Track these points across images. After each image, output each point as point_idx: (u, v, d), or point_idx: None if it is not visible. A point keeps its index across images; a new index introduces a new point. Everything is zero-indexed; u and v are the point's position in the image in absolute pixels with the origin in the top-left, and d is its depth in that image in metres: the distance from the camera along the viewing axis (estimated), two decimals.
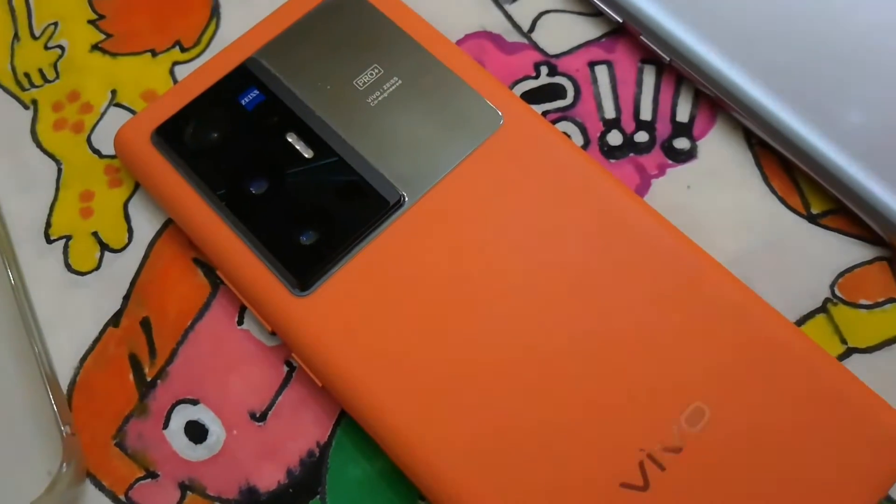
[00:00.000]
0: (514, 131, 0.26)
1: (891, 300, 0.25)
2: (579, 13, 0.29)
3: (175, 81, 0.29)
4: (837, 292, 0.25)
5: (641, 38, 0.28)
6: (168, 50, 0.29)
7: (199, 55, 0.29)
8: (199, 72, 0.27)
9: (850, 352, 0.24)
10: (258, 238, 0.24)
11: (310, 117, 0.26)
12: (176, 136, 0.26)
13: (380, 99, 0.26)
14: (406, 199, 0.25)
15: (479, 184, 0.25)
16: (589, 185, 0.25)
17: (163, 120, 0.26)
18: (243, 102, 0.26)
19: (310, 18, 0.28)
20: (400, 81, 0.26)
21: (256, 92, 0.26)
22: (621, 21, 0.28)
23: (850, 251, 0.25)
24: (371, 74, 0.27)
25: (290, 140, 0.26)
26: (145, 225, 0.27)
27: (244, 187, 0.25)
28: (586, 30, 0.29)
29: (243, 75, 0.27)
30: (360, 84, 0.26)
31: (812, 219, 0.26)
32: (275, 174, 0.25)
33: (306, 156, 0.25)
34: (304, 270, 0.24)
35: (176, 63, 0.29)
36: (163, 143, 0.26)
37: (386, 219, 0.24)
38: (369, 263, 0.24)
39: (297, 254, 0.24)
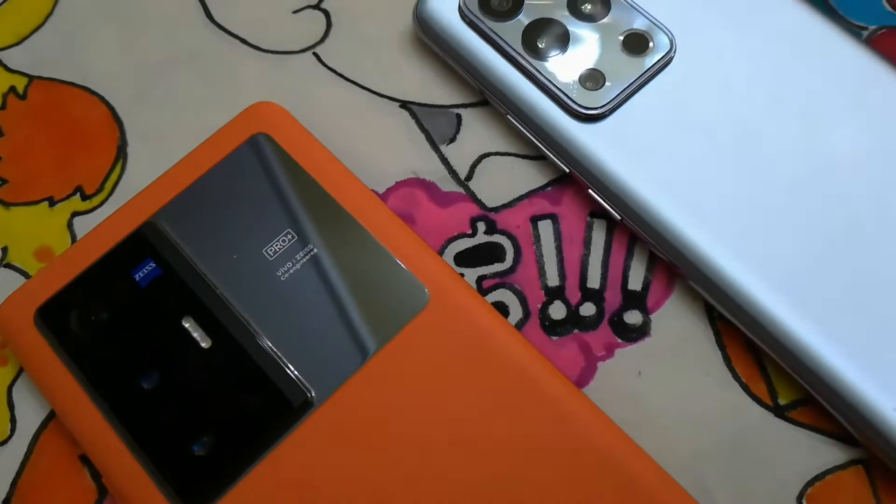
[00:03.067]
0: (441, 312, 0.23)
1: None
2: (523, 156, 0.26)
3: (73, 236, 0.26)
4: None
5: (590, 191, 0.25)
6: (68, 198, 0.26)
7: (101, 203, 0.26)
8: (92, 235, 0.24)
9: None
10: (144, 447, 0.21)
11: (210, 297, 0.23)
12: (61, 316, 0.23)
13: (291, 272, 0.23)
14: (315, 397, 0.22)
15: (398, 376, 0.22)
16: (522, 378, 0.22)
17: (48, 296, 0.23)
18: (137, 277, 0.23)
19: (219, 170, 0.25)
20: (315, 250, 0.23)
21: (153, 265, 0.23)
22: (568, 171, 0.25)
23: (822, 452, 0.22)
24: (283, 241, 0.24)
25: (186, 326, 0.23)
26: (30, 412, 0.24)
27: (132, 382, 0.22)
28: (530, 177, 0.26)
29: (139, 243, 0.24)
30: (271, 253, 0.23)
31: (779, 411, 0.23)
32: (167, 368, 0.22)
33: (203, 345, 0.22)
34: (195, 490, 0.21)
35: (75, 214, 0.26)
36: (46, 326, 0.23)
37: (291, 423, 0.22)
38: (271, 477, 0.21)
39: (189, 468, 0.21)
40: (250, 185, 0.24)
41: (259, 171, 0.25)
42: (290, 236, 0.24)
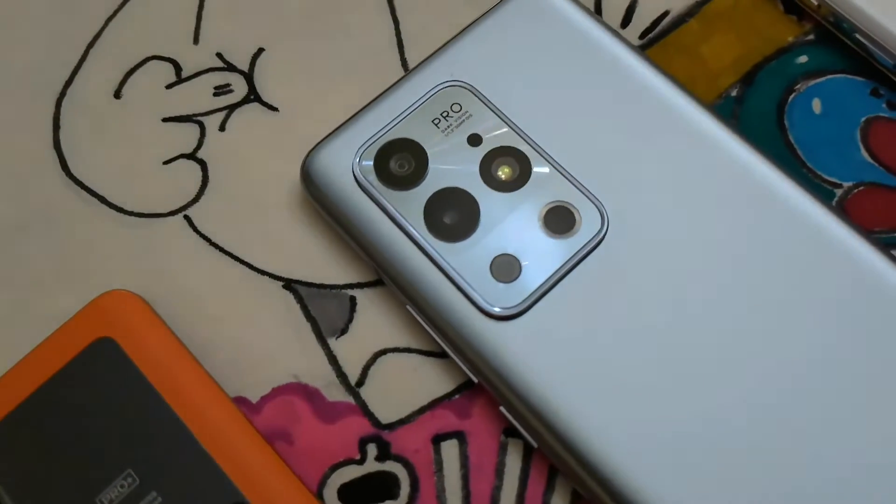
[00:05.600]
0: None
1: None
2: (427, 353, 0.22)
3: None
4: None
5: (501, 409, 0.20)
6: None
7: None
8: None
9: None
10: None
11: None
12: None
13: None
14: None
15: None
16: None
17: None
18: None
19: (49, 390, 0.20)
20: (159, 500, 0.19)
21: None
22: (475, 381, 0.21)
23: None
24: (122, 487, 0.19)
25: None
26: None
27: None
28: (434, 381, 0.21)
29: None
30: (106, 503, 0.19)
31: None
32: None
33: None
34: None
35: None
36: None
37: None
38: None
39: None
40: (87, 410, 0.20)
41: (98, 390, 0.20)
42: (130, 479, 0.19)
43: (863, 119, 0.24)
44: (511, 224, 0.21)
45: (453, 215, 0.21)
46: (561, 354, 0.20)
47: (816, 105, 0.24)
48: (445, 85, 0.23)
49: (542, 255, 0.21)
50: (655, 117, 0.22)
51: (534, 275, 0.21)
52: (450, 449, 0.21)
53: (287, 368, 0.22)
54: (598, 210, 0.21)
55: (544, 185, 0.22)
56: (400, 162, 0.22)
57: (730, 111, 0.24)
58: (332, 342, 0.22)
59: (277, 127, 0.24)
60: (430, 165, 0.22)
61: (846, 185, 0.23)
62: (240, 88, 0.25)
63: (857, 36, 0.24)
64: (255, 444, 0.20)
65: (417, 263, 0.21)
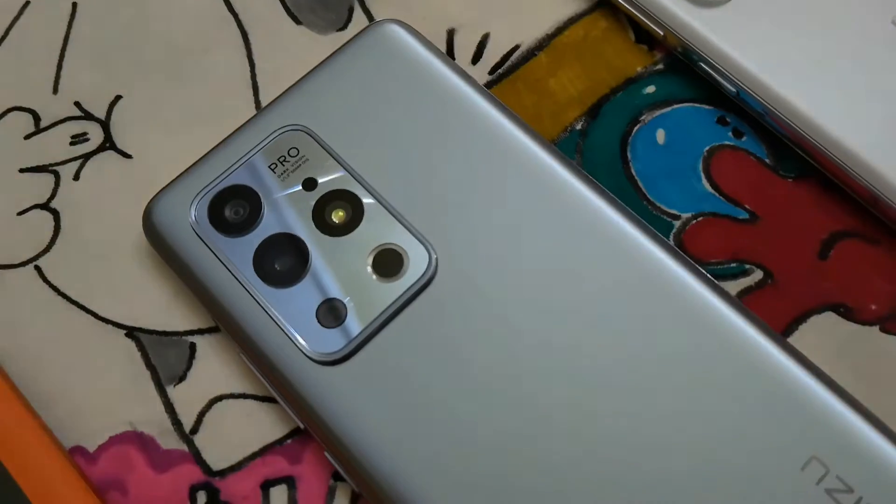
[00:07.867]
0: None
1: None
2: (262, 398, 0.22)
3: None
4: None
5: (326, 454, 0.20)
6: None
7: None
8: None
9: None
10: None
11: None
12: None
13: None
14: None
15: None
16: None
17: None
18: None
19: None
20: None
21: None
22: (302, 427, 0.21)
23: None
24: None
25: None
26: None
27: None
28: (267, 426, 0.22)
29: None
30: None
31: None
32: None
33: None
34: None
35: None
36: None
37: None
38: None
39: None
40: None
41: None
42: None
43: (706, 148, 0.24)
44: (340, 268, 0.21)
45: (283, 261, 0.22)
46: (384, 400, 0.20)
47: (660, 136, 0.24)
48: (284, 130, 0.23)
49: (369, 299, 0.21)
50: (492, 156, 0.22)
51: (359, 319, 0.21)
52: (279, 494, 0.21)
53: (124, 417, 0.22)
54: (427, 252, 0.21)
55: (375, 228, 0.22)
56: (235, 209, 0.22)
57: (574, 145, 0.24)
58: (169, 390, 0.22)
59: (130, 174, 0.25)
60: (265, 211, 0.22)
61: (685, 216, 0.23)
62: (96, 137, 0.25)
63: (702, 65, 0.24)
64: (83, 499, 0.20)
65: (246, 310, 0.21)
